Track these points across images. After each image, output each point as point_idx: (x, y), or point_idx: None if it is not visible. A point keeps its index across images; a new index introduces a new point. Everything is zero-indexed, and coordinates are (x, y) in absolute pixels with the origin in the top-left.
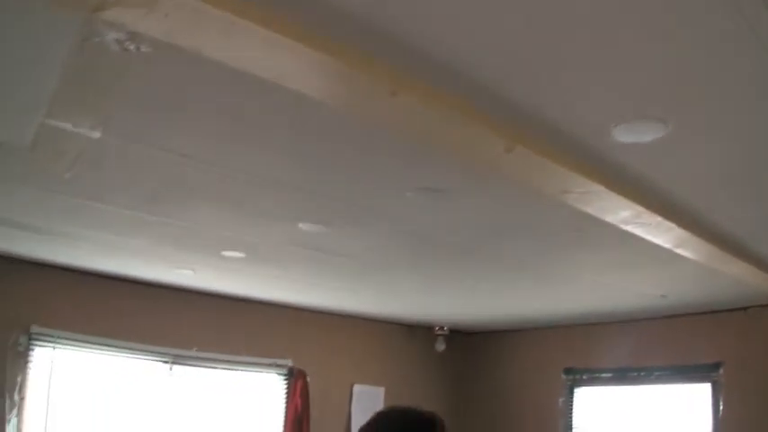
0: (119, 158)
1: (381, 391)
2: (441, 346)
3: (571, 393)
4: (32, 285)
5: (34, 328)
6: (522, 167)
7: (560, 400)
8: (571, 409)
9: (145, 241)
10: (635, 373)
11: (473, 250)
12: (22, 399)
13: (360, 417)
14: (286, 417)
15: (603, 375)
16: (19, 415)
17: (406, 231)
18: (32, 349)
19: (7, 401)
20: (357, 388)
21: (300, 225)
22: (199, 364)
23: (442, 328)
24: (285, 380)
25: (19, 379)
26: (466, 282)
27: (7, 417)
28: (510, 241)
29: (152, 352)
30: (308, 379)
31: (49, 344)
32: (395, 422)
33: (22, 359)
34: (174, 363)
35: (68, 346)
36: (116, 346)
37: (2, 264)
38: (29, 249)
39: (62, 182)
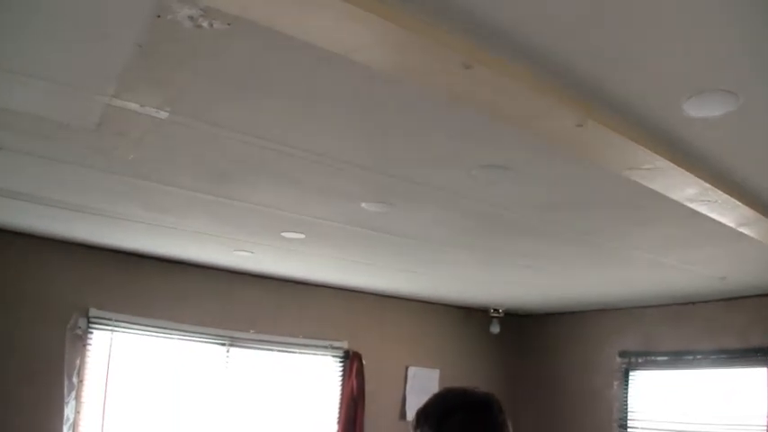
0: (183, 138)
1: (436, 373)
2: (495, 329)
3: (626, 377)
4: (91, 269)
5: (93, 312)
6: (591, 142)
7: (615, 383)
8: (626, 393)
9: (205, 223)
10: (691, 357)
11: (534, 228)
12: (80, 381)
13: (414, 398)
14: (342, 398)
15: (659, 359)
16: (78, 397)
17: (468, 209)
18: (91, 332)
19: (66, 384)
20: (412, 370)
21: (363, 204)
22: (255, 346)
23: (497, 310)
24: (341, 362)
25: (78, 362)
26: (525, 261)
27: (66, 399)
28: (572, 218)
29: (209, 335)
30: (364, 361)
31: (108, 327)
32: (452, 403)
33: (80, 342)
34: (231, 345)
35: (126, 329)
36: (173, 329)
37: (61, 248)
38: (88, 233)
39: (125, 163)
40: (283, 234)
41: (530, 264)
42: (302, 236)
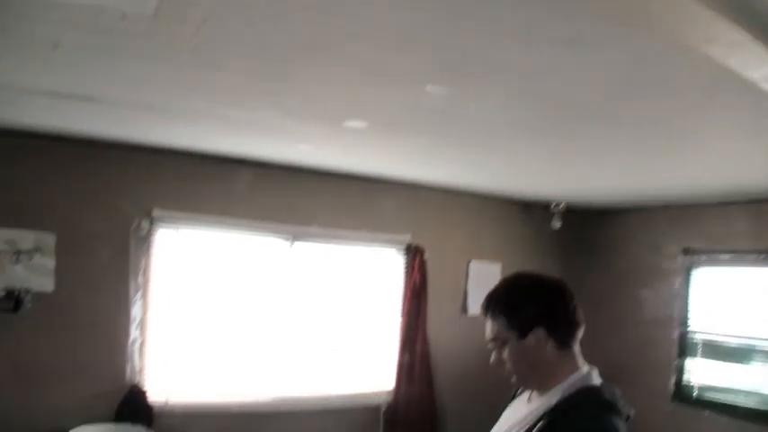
0: (247, 20)
1: (497, 267)
2: (557, 224)
3: (688, 274)
4: (153, 170)
5: (156, 212)
6: (669, 12)
7: (677, 280)
8: (688, 290)
9: (266, 114)
10: (754, 256)
11: (604, 114)
12: (146, 281)
13: (476, 293)
14: (405, 292)
15: (722, 257)
16: (144, 296)
17: (536, 92)
18: (155, 232)
19: (132, 284)
20: (473, 264)
21: (428, 87)
22: (319, 240)
23: (558, 205)
24: (404, 255)
25: (143, 262)
26: (590, 150)
27: (132, 299)
28: (644, 103)
29: (273, 229)
30: (426, 255)
31: (171, 226)
32: (524, 287)
33: (145, 243)
34: (294, 239)
35: (190, 227)
36: (237, 225)
37: (122, 151)
38: (147, 133)
39: (185, 52)
40: (345, 123)
41: (596, 153)
42: (364, 124)
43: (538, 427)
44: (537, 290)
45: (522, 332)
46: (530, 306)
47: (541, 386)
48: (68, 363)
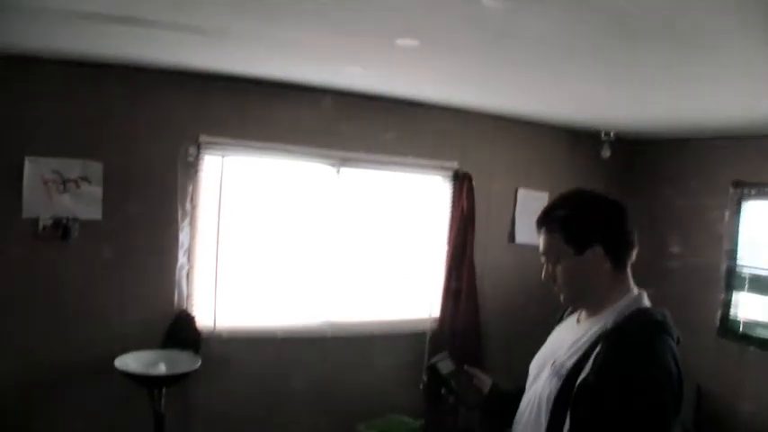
0: None
1: (545, 196)
2: (606, 153)
3: (738, 207)
4: (199, 96)
5: (203, 138)
6: None
7: (727, 213)
8: (738, 224)
9: (316, 33)
10: None
11: (665, 32)
12: (194, 207)
13: (523, 220)
14: (452, 219)
15: None
16: (192, 223)
17: (595, 8)
18: (202, 158)
19: (180, 211)
20: (521, 192)
21: (484, 0)
22: (365, 166)
23: (608, 134)
24: (451, 182)
25: (190, 188)
26: (642, 76)
27: (180, 225)
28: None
29: (319, 155)
30: (474, 182)
31: (218, 152)
32: (586, 199)
33: (192, 169)
34: (341, 165)
35: (236, 154)
36: (283, 151)
37: (168, 77)
38: (192, 58)
39: None
40: (397, 41)
41: (649, 79)
42: (416, 43)
43: (597, 351)
44: (597, 206)
45: (580, 248)
46: (590, 222)
47: (592, 306)
48: (116, 290)
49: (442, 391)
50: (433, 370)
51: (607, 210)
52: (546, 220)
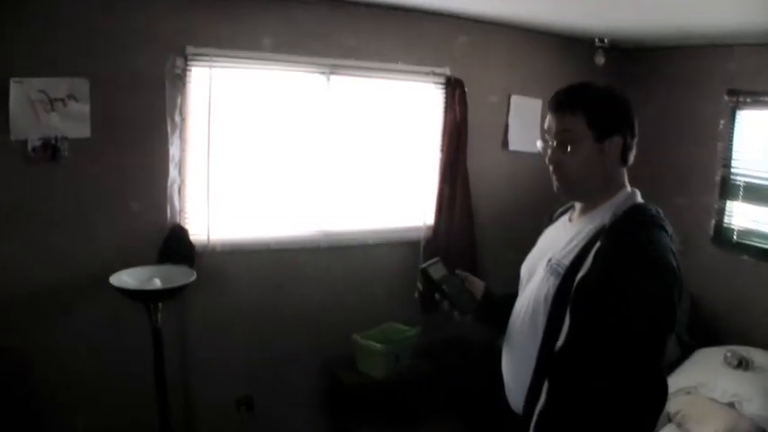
0: None
1: (539, 103)
2: (600, 60)
3: (733, 116)
4: (184, 6)
5: (189, 49)
6: None
7: (721, 121)
8: (732, 132)
9: None
10: None
11: None
12: (183, 120)
13: (517, 127)
14: (444, 126)
15: None
16: (182, 135)
17: None
18: (189, 70)
19: (169, 124)
20: (515, 99)
21: None
22: (356, 73)
23: (602, 40)
24: (443, 89)
25: (179, 101)
26: None
27: (170, 138)
28: None
29: (310, 63)
30: (466, 89)
31: (206, 63)
32: (610, 89)
33: (180, 81)
34: (331, 73)
35: (225, 64)
36: (273, 59)
37: None
38: None
39: None
40: None
41: None
42: None
43: (597, 247)
44: (623, 99)
45: (602, 135)
46: (617, 110)
47: (589, 199)
48: (109, 208)
49: (435, 296)
50: (424, 275)
51: (630, 104)
52: (569, 98)
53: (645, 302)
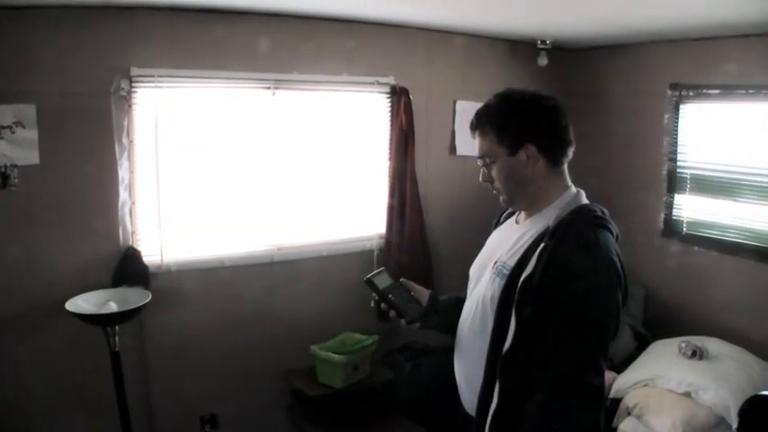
0: None
1: None
2: (543, 61)
3: (677, 110)
4: (127, 28)
5: (134, 71)
6: None
7: (666, 116)
8: (677, 126)
9: None
10: (743, 91)
11: None
12: (131, 141)
13: (463, 132)
14: (391, 135)
15: (711, 92)
16: (130, 157)
17: None
18: (135, 92)
19: (117, 146)
20: (460, 104)
21: None
22: (301, 87)
23: (544, 42)
24: (388, 98)
25: (125, 123)
26: None
27: (119, 161)
28: None
29: (253, 79)
30: (412, 96)
31: (151, 84)
32: (517, 98)
33: (125, 103)
34: (276, 88)
35: (170, 84)
36: (217, 77)
37: (92, 12)
38: None
39: None
40: None
41: None
42: None
43: (540, 248)
44: (528, 104)
45: (513, 149)
46: (520, 121)
47: (531, 206)
48: (62, 233)
49: (381, 306)
50: (370, 285)
51: (538, 107)
52: (478, 122)
53: (586, 301)
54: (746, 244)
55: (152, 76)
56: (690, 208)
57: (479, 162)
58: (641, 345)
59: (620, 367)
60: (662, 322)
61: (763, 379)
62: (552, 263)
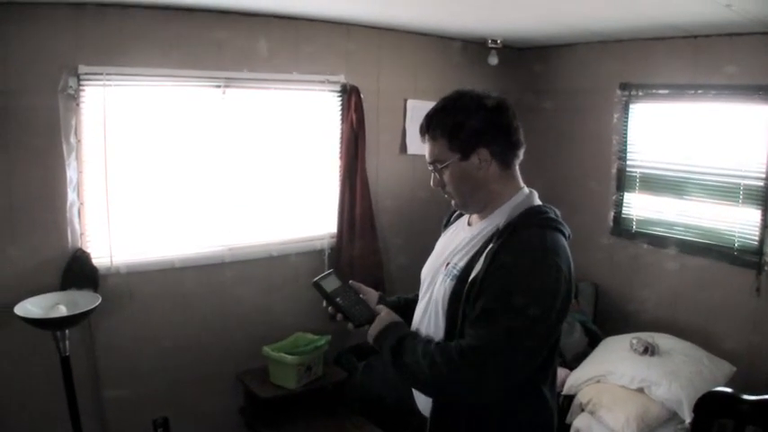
0: None
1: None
2: (494, 60)
3: (626, 110)
4: (74, 26)
5: (82, 69)
6: None
7: (615, 116)
8: (626, 126)
9: None
10: (692, 91)
11: None
12: (78, 141)
13: (414, 131)
14: (342, 134)
15: (660, 92)
16: (78, 157)
17: None
18: (83, 90)
19: (65, 146)
20: (411, 103)
21: None
22: (251, 85)
23: (495, 41)
24: (339, 97)
25: (73, 122)
26: None
27: (67, 161)
28: None
29: (203, 77)
30: (362, 95)
31: (99, 82)
32: (466, 102)
33: (73, 102)
34: (226, 86)
35: (119, 82)
36: (167, 75)
37: (40, 8)
38: None
39: None
40: None
41: None
42: None
43: (489, 249)
44: (479, 108)
45: (465, 153)
46: (472, 125)
47: (484, 208)
48: (9, 234)
49: (329, 309)
50: (317, 288)
51: (489, 110)
52: (428, 127)
53: (533, 300)
54: (694, 241)
55: (100, 74)
56: (639, 206)
57: (430, 167)
58: (592, 341)
59: (572, 363)
60: (612, 319)
61: (713, 374)
62: (498, 264)
